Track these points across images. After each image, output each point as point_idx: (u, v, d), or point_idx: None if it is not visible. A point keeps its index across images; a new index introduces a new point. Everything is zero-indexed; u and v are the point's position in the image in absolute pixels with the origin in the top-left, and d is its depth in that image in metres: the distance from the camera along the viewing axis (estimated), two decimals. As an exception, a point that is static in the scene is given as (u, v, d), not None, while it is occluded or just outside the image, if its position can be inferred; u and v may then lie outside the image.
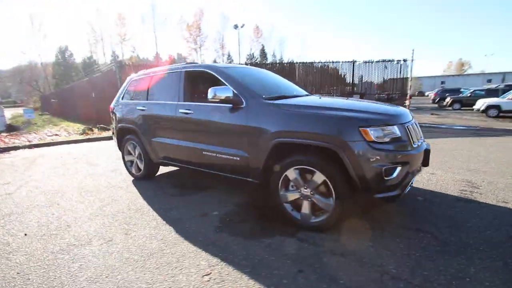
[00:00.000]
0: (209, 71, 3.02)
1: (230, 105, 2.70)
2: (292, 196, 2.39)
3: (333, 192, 2.13)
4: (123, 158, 4.18)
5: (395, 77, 13.36)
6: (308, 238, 2.21)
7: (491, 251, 1.96)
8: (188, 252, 2.09)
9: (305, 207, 2.32)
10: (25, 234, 2.47)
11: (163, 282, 1.75)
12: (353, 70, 13.48)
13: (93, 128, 9.93)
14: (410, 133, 2.22)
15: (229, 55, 49.06)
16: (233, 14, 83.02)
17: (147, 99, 3.68)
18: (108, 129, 9.25)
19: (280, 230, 2.36)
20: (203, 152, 2.97)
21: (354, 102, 2.71)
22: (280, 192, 2.43)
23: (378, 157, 2.01)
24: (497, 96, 13.82)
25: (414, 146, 2.24)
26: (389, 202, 2.54)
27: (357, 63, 13.35)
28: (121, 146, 4.14)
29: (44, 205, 3.22)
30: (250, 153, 2.57)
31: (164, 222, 2.62)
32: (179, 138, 3.23)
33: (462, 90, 21.30)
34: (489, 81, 42.26)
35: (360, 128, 2.03)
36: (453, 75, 55.51)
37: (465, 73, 59.34)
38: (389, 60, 13.22)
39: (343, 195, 2.11)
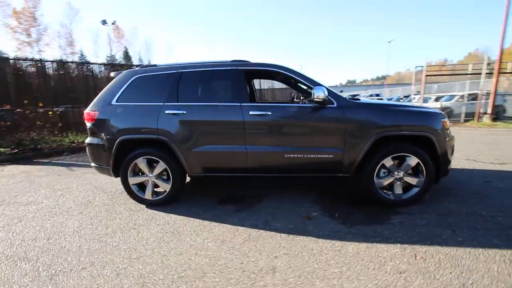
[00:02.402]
0: (282, 71, 2.92)
1: (313, 105, 2.78)
2: (386, 181, 2.82)
3: (425, 171, 2.76)
4: (125, 181, 3.05)
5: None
6: (415, 211, 2.73)
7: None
8: (365, 249, 2.09)
9: (398, 188, 2.82)
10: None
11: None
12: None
13: None
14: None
15: (82, 54, 40.26)
16: (85, 8, 68.59)
17: (177, 101, 2.94)
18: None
19: (386, 211, 2.73)
20: (285, 155, 2.83)
21: (412, 103, 3.48)
22: (375, 180, 2.81)
23: (450, 139, 2.83)
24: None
25: None
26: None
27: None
28: (120, 165, 3.01)
29: None
30: (346, 149, 2.77)
31: (292, 236, 2.35)
32: (247, 144, 2.85)
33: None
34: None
35: (442, 120, 2.78)
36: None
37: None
38: None
39: (431, 172, 2.77)
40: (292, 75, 2.92)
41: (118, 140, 2.94)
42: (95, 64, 8.88)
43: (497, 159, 4.77)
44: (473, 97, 11.53)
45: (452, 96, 13.10)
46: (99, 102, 3.09)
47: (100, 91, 3.20)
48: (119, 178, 3.06)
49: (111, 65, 10.01)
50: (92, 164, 3.24)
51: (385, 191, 2.85)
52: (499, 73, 10.30)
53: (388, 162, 2.76)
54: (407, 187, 2.85)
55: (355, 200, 3.06)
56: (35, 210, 3.11)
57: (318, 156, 2.81)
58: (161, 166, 2.97)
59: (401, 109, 2.89)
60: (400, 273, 1.79)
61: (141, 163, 2.99)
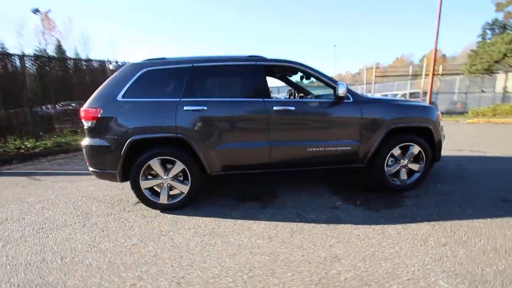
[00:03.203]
0: (300, 67, 2.98)
1: (331, 100, 2.94)
2: (393, 169, 3.13)
3: (425, 158, 3.14)
4: (137, 185, 2.74)
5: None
6: (420, 194, 3.08)
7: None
8: (402, 229, 2.30)
9: (403, 174, 3.16)
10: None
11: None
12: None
13: None
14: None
15: (2, 47, 33.87)
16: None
17: (195, 96, 2.76)
18: None
19: (394, 196, 3.03)
20: (308, 149, 2.91)
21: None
22: (385, 168, 3.09)
23: (441, 129, 3.27)
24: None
25: None
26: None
27: None
28: (129, 169, 2.70)
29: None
30: (361, 141, 2.98)
31: (332, 225, 2.43)
32: (271, 139, 2.83)
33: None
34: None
35: (437, 113, 3.19)
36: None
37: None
38: None
39: (429, 159, 3.16)
40: (310, 71, 3.01)
41: (129, 140, 2.63)
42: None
43: (452, 147, 5.65)
44: (414, 95, 13.36)
45: (395, 95, 14.94)
46: (101, 98, 2.72)
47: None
48: (105, 184, 2.75)
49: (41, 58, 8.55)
50: (91, 169, 2.84)
51: (393, 178, 3.15)
52: (433, 74, 12.13)
53: (396, 151, 3.07)
54: (409, 173, 3.20)
55: (364, 188, 3.32)
56: (19, 227, 2.60)
57: (338, 148, 2.96)
58: (178, 167, 2.77)
59: (407, 104, 3.24)
60: (444, 245, 2.03)
61: (156, 164, 2.73)
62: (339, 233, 2.27)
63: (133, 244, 2.22)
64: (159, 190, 2.86)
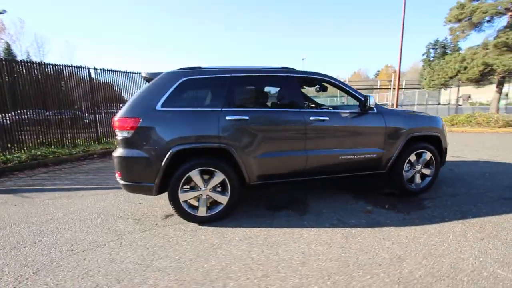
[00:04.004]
0: (330, 80, 3.16)
1: (359, 111, 3.16)
2: (410, 174, 3.42)
3: (435, 162, 3.49)
4: (176, 198, 2.61)
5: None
6: (433, 196, 3.40)
7: (456, 177, 4.29)
8: (439, 228, 2.53)
9: (417, 179, 3.47)
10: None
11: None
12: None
13: None
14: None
15: None
16: None
17: (236, 106, 2.76)
18: None
19: (413, 199, 3.31)
20: (340, 157, 3.06)
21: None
22: (404, 174, 3.37)
23: (446, 137, 3.68)
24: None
25: None
26: None
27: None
28: (170, 180, 2.57)
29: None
30: (385, 149, 3.23)
31: (377, 228, 2.58)
32: (307, 148, 2.93)
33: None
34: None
35: (442, 123, 3.58)
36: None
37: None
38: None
39: (438, 164, 3.52)
40: (339, 84, 3.20)
41: (171, 151, 2.53)
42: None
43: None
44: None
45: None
46: (139, 107, 2.58)
47: None
48: (114, 199, 2.64)
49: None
50: (123, 182, 2.65)
51: (409, 182, 3.44)
52: (399, 88, 13.44)
53: (413, 157, 3.37)
54: (422, 177, 3.52)
55: (382, 193, 3.56)
56: (42, 251, 2.30)
57: (365, 156, 3.17)
58: (218, 177, 2.71)
59: (420, 115, 3.58)
60: (482, 240, 2.29)
61: (196, 175, 2.65)
62: (388, 235, 2.42)
63: (191, 260, 2.12)
64: (193, 203, 2.77)
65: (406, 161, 3.34)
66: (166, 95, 2.63)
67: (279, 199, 3.40)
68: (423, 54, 61.15)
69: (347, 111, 3.12)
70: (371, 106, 3.03)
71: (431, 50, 60.38)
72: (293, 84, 2.99)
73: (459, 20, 11.67)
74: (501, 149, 6.54)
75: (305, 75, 3.10)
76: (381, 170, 3.30)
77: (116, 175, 2.74)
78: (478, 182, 3.90)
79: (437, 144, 3.52)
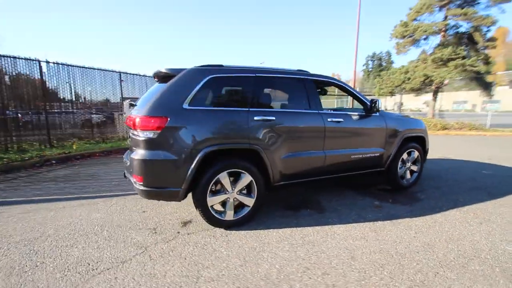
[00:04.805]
0: (339, 83, 3.34)
1: (364, 113, 3.42)
2: (402, 171, 3.81)
3: (420, 160, 3.95)
4: (204, 203, 2.45)
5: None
6: (421, 189, 3.83)
7: (428, 172, 4.92)
8: (444, 216, 2.88)
9: (407, 175, 3.89)
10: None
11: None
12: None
13: None
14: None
15: None
16: None
17: (261, 106, 2.72)
18: None
19: (405, 193, 3.70)
20: (352, 156, 3.25)
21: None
22: (398, 171, 3.74)
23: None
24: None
25: None
26: None
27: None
28: (200, 182, 2.41)
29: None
30: (386, 148, 3.54)
31: (394, 220, 2.80)
32: (325, 149, 3.04)
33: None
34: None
35: (425, 125, 4.08)
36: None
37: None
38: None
39: (423, 161, 4.00)
40: (349, 89, 3.41)
41: (202, 151, 2.37)
42: None
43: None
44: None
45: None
46: (165, 106, 2.35)
47: None
48: (107, 209, 2.56)
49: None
50: (144, 188, 2.37)
51: (401, 178, 3.83)
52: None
53: (405, 156, 3.77)
54: (410, 173, 3.96)
55: (378, 189, 3.89)
56: (57, 274, 1.94)
57: (371, 155, 3.43)
58: (246, 179, 2.63)
59: (409, 118, 4.00)
60: (481, 223, 2.69)
61: (225, 178, 2.53)
62: (408, 226, 2.67)
63: (241, 266, 2.02)
64: (217, 207, 2.64)
65: (400, 159, 3.71)
66: (193, 93, 2.45)
67: (294, 200, 3.44)
68: (363, 65, 68.13)
69: (357, 113, 3.34)
70: (380, 109, 3.31)
71: (370, 62, 67.89)
72: (312, 86, 3.08)
73: (404, 36, 13.51)
74: (449, 148, 7.67)
75: (321, 79, 3.23)
76: (382, 168, 3.61)
77: (133, 180, 2.45)
78: (448, 176, 4.54)
79: (422, 143, 4.00)
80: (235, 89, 2.73)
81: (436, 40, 13.58)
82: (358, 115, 3.35)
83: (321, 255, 2.16)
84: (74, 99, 8.39)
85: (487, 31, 12.58)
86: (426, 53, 13.54)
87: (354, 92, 3.44)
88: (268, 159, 2.70)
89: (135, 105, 2.95)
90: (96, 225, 2.76)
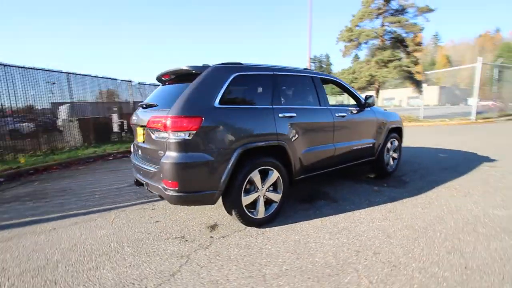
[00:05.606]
0: (338, 81, 3.58)
1: (361, 108, 3.75)
2: (387, 158, 4.27)
3: (399, 148, 4.49)
4: (239, 203, 2.39)
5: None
6: (405, 173, 4.35)
7: (398, 159, 5.60)
8: (438, 194, 3.34)
9: (391, 161, 4.38)
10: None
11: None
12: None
13: None
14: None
15: None
16: None
17: (281, 103, 2.78)
18: None
19: (391, 178, 4.17)
20: (354, 147, 3.53)
21: None
22: (385, 159, 4.19)
23: None
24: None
25: None
26: None
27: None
28: (234, 182, 2.35)
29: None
30: (376, 139, 3.94)
31: (400, 201, 3.14)
32: (334, 142, 3.24)
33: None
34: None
35: (399, 116, 4.64)
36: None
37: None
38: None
39: (401, 148, 4.55)
40: (345, 85, 3.69)
41: (236, 151, 2.32)
42: None
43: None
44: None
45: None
46: (197, 105, 2.23)
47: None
48: (107, 223, 2.53)
49: None
50: (179, 194, 2.20)
51: (386, 165, 4.30)
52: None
53: (389, 145, 4.24)
54: (392, 160, 4.47)
55: (367, 176, 4.30)
56: (102, 300, 1.69)
57: (366, 146, 3.77)
58: (274, 176, 2.66)
59: (391, 112, 4.49)
60: (465, 196, 3.21)
61: (257, 175, 2.52)
62: (415, 204, 3.03)
63: (297, 259, 2.05)
64: (249, 207, 2.61)
65: (385, 148, 4.17)
66: (222, 92, 2.38)
67: (303, 193, 3.57)
68: (304, 68, 72.77)
69: (355, 108, 3.64)
70: (373, 104, 3.68)
71: (312, 64, 73.05)
72: (320, 83, 3.26)
73: (351, 40, 15.00)
74: (410, 137, 8.66)
75: (325, 77, 3.44)
76: (373, 157, 4.00)
77: (164, 186, 2.25)
78: (418, 160, 5.24)
79: (400, 133, 4.55)
80: (257, 87, 2.72)
81: (372, 44, 15.40)
82: (356, 110, 3.65)
83: (361, 238, 2.32)
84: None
85: (415, 36, 14.82)
86: (370, 55, 15.23)
87: (350, 89, 3.75)
88: (292, 155, 2.77)
89: (145, 106, 2.72)
90: (110, 242, 2.46)
